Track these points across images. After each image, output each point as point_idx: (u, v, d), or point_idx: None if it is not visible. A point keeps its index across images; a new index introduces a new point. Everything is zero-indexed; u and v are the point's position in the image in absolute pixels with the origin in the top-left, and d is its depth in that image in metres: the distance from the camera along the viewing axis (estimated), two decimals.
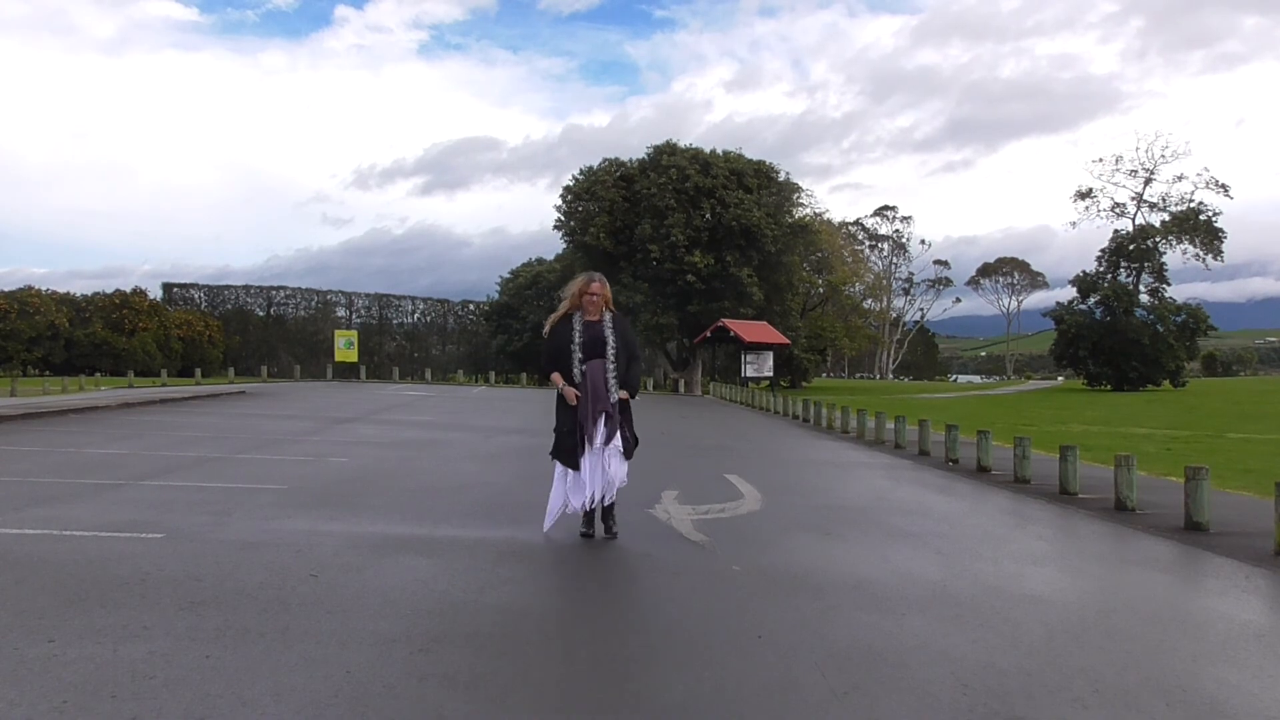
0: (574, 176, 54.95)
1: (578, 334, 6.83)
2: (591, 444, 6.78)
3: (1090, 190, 61.87)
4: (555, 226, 54.80)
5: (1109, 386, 54.20)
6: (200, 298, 64.76)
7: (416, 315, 70.48)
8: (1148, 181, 59.77)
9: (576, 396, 6.78)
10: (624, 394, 6.89)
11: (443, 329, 70.99)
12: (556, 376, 6.87)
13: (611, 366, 6.84)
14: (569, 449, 6.84)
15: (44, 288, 55.40)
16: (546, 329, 7.07)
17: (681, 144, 53.47)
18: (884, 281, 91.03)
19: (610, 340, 6.85)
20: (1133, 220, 59.72)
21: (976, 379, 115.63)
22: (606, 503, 6.93)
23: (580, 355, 6.80)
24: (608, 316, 6.93)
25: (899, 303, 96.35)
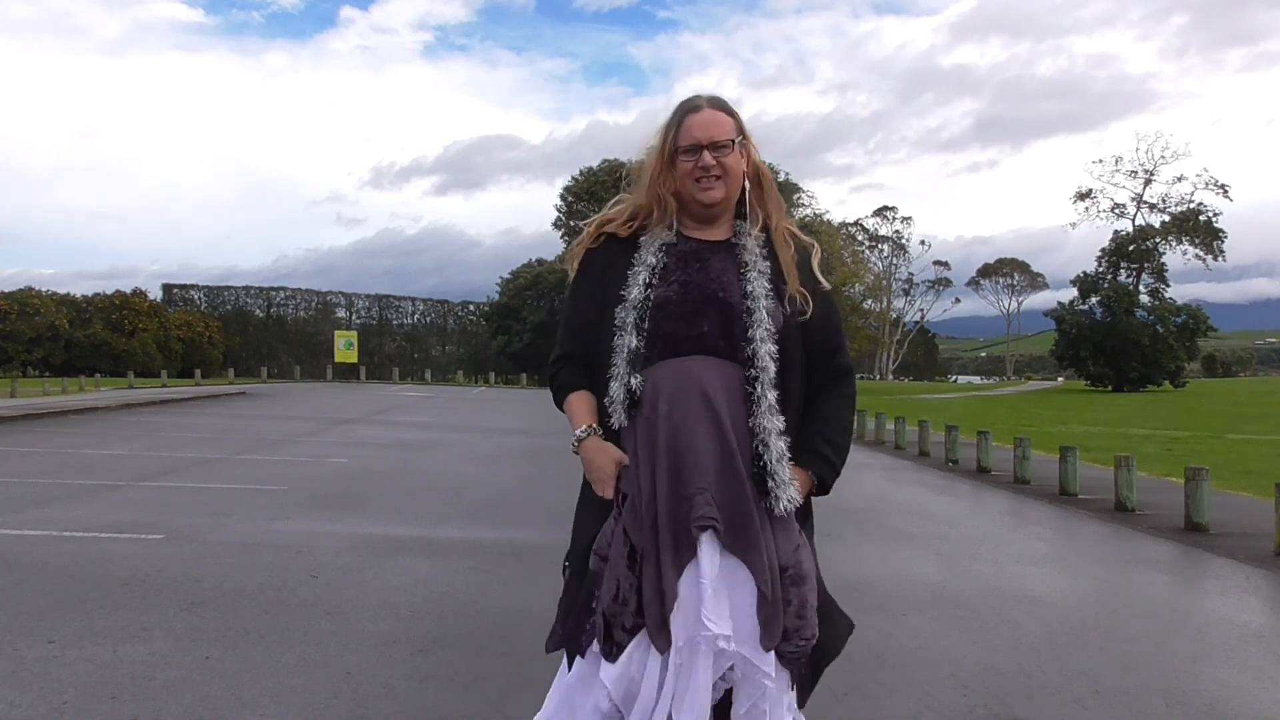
0: (574, 177, 55.07)
1: (645, 273, 2.19)
2: (662, 628, 2.05)
3: (1090, 191, 61.90)
4: (555, 225, 54.89)
5: (1109, 387, 54.20)
6: (200, 298, 64.72)
7: (416, 316, 70.40)
8: (1147, 182, 59.79)
9: (618, 491, 2.16)
10: (803, 482, 2.15)
11: (443, 330, 70.90)
12: (576, 411, 2.25)
13: (766, 390, 2.11)
14: (574, 628, 2.27)
15: (46, 289, 55.45)
16: (572, 267, 2.34)
17: None
18: (884, 282, 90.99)
19: (759, 294, 2.17)
20: (1133, 221, 59.76)
21: (976, 380, 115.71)
22: None
23: (636, 341, 2.14)
24: (749, 231, 2.26)
25: (899, 303, 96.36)
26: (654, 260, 2.21)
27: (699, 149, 2.18)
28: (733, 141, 2.21)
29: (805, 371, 2.24)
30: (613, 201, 2.37)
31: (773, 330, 2.16)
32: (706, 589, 2.05)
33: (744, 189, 2.26)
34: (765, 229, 2.27)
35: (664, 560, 2.07)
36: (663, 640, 2.05)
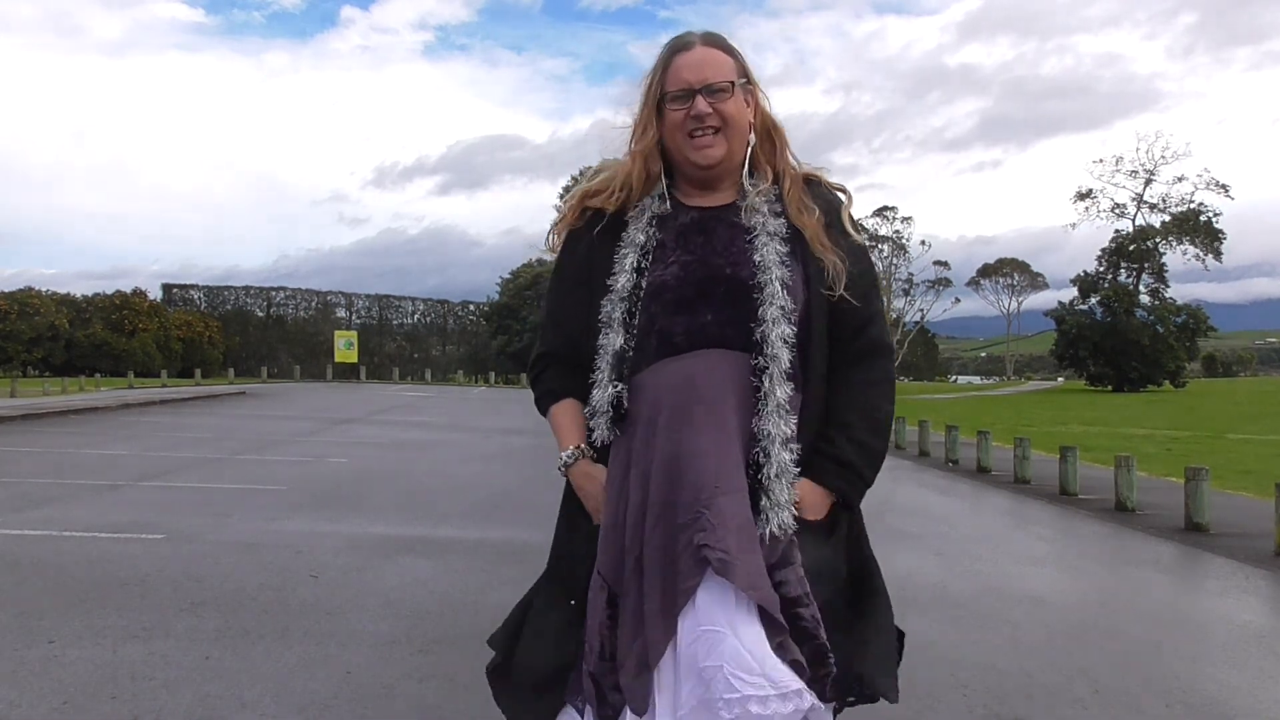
0: (574, 176, 55.10)
1: (634, 256, 1.82)
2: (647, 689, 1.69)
3: (1090, 191, 61.89)
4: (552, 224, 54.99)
5: (1109, 387, 54.22)
6: (200, 299, 64.73)
7: (416, 316, 70.42)
8: (1148, 182, 59.77)
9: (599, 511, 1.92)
10: (806, 497, 1.74)
11: (443, 329, 70.91)
12: (562, 426, 1.96)
13: (775, 384, 1.71)
14: (542, 676, 1.97)
15: (46, 289, 55.48)
16: (554, 246, 2.02)
17: None
18: (884, 282, 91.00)
19: (770, 263, 1.76)
20: (1133, 221, 59.76)
21: (976, 380, 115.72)
22: None
23: (623, 340, 1.79)
24: (761, 194, 1.82)
25: (899, 303, 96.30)
26: (643, 239, 1.83)
27: (691, 94, 1.76)
28: (732, 84, 1.78)
29: (830, 351, 1.81)
30: (594, 170, 1.95)
31: (789, 307, 1.74)
32: (723, 634, 1.61)
33: (750, 145, 1.83)
34: (777, 182, 1.86)
35: (649, 607, 1.68)
36: (639, 699, 1.68)
